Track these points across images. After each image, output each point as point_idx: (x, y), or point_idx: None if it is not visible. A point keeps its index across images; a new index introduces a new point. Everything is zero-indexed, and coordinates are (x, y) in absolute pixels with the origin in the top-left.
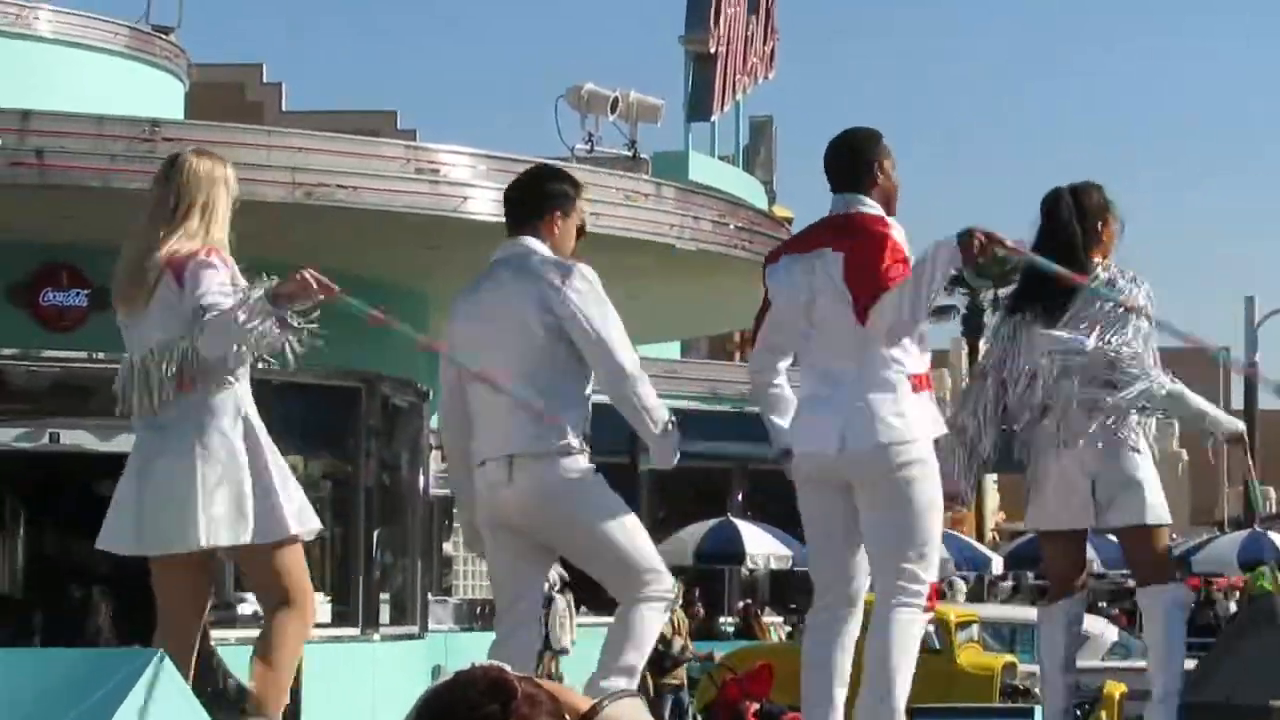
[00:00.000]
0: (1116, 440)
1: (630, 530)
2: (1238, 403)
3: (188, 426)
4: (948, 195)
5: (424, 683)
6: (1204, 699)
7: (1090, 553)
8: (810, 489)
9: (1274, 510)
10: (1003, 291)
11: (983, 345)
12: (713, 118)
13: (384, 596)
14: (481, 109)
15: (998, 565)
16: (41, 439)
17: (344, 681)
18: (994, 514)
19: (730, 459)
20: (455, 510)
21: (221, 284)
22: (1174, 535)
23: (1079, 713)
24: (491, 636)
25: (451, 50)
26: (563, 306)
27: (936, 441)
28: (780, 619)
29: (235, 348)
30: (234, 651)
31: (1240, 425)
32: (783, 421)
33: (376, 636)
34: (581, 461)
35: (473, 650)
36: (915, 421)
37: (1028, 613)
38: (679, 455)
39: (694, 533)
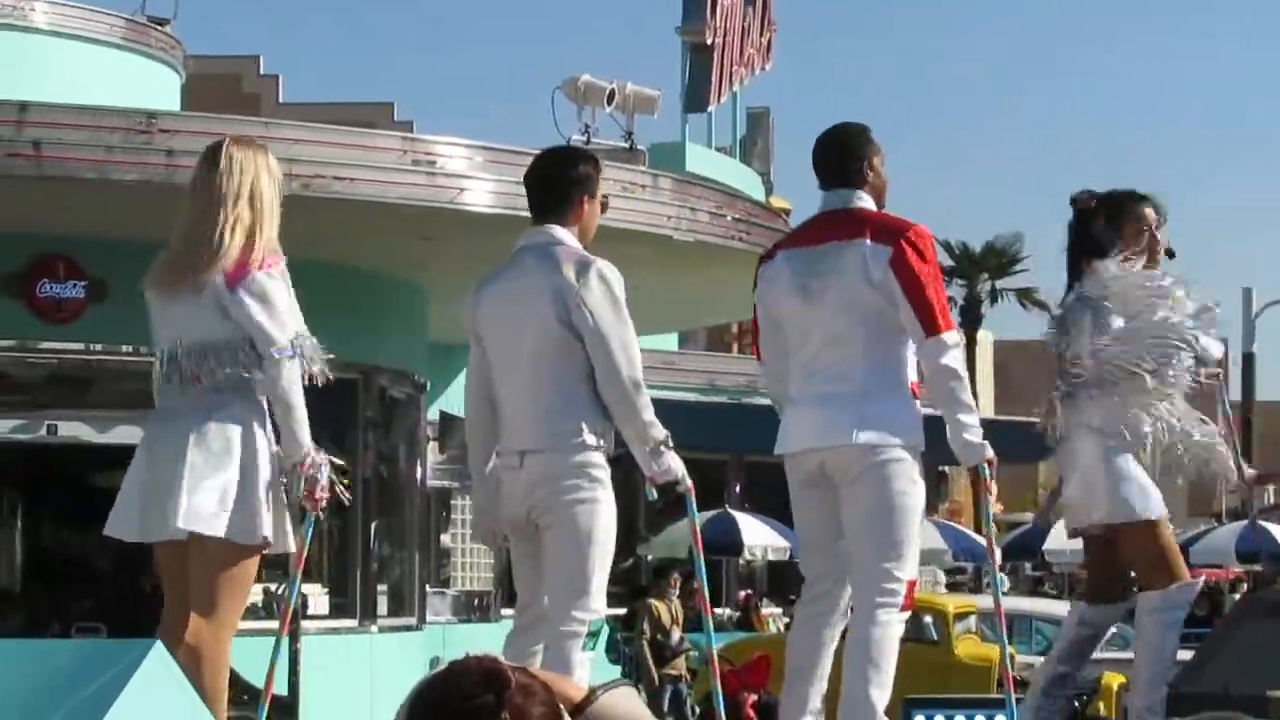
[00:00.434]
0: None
1: (598, 557)
2: (1235, 393)
3: (193, 418)
4: (945, 189)
5: (421, 674)
6: (1200, 689)
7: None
8: (800, 488)
9: (1272, 501)
10: (1000, 283)
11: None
12: (710, 109)
13: (381, 588)
14: (478, 100)
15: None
16: (39, 431)
17: (342, 672)
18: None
19: (727, 450)
20: (471, 496)
21: (292, 308)
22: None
23: (1076, 704)
24: (488, 627)
25: (448, 42)
26: (576, 302)
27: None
28: (779, 610)
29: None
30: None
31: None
32: None
33: (374, 628)
34: (594, 458)
35: (470, 641)
36: (905, 423)
37: (1025, 604)
38: (670, 468)
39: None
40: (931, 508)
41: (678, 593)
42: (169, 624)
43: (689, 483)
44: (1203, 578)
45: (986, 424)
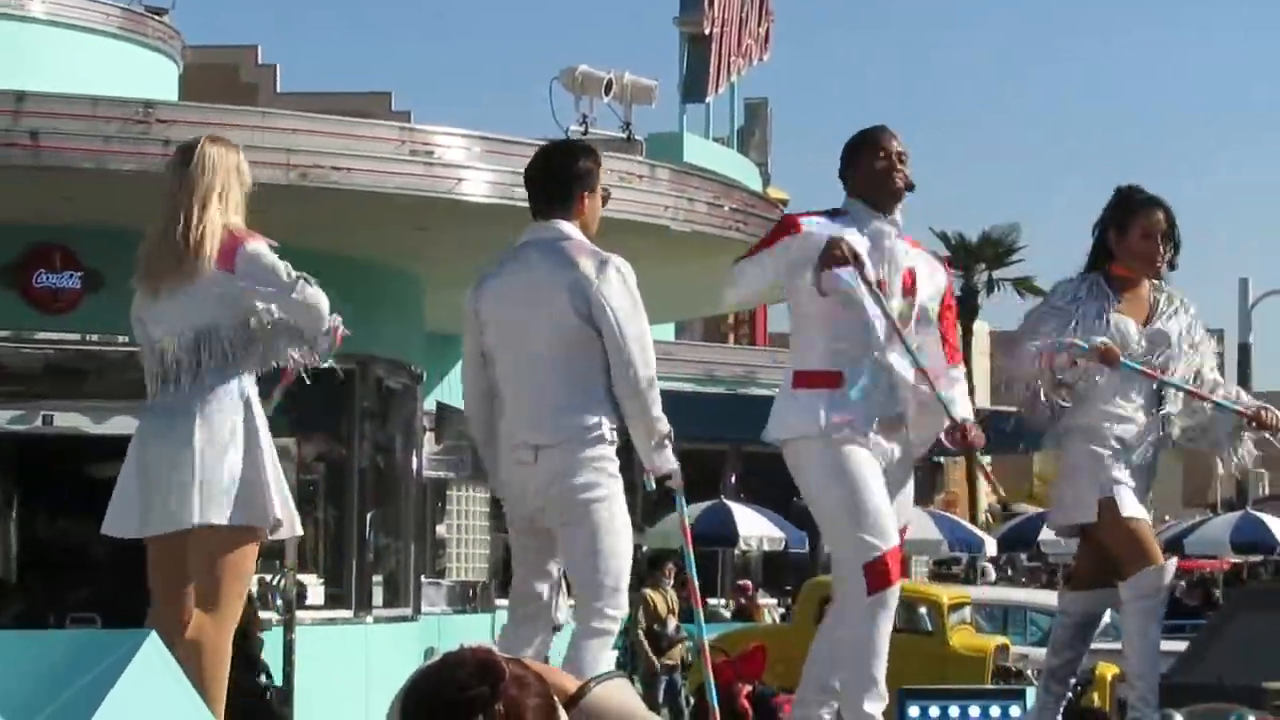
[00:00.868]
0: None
1: (618, 550)
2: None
3: (194, 409)
4: (942, 179)
5: (417, 664)
6: (1195, 680)
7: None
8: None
9: (1266, 492)
10: (997, 273)
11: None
12: (707, 99)
13: (377, 578)
14: (476, 91)
15: (991, 547)
16: (34, 421)
17: (337, 663)
18: (987, 495)
19: (724, 441)
20: (494, 484)
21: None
22: (1166, 517)
23: (1070, 694)
24: (485, 618)
25: (446, 32)
26: (596, 296)
27: None
28: (774, 601)
29: (302, 335)
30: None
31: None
32: None
33: (369, 618)
34: (608, 452)
35: (465, 632)
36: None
37: (1020, 595)
38: (670, 462)
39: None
40: (926, 499)
41: (672, 583)
42: (162, 620)
43: (680, 479)
44: (1174, 561)
45: (983, 414)
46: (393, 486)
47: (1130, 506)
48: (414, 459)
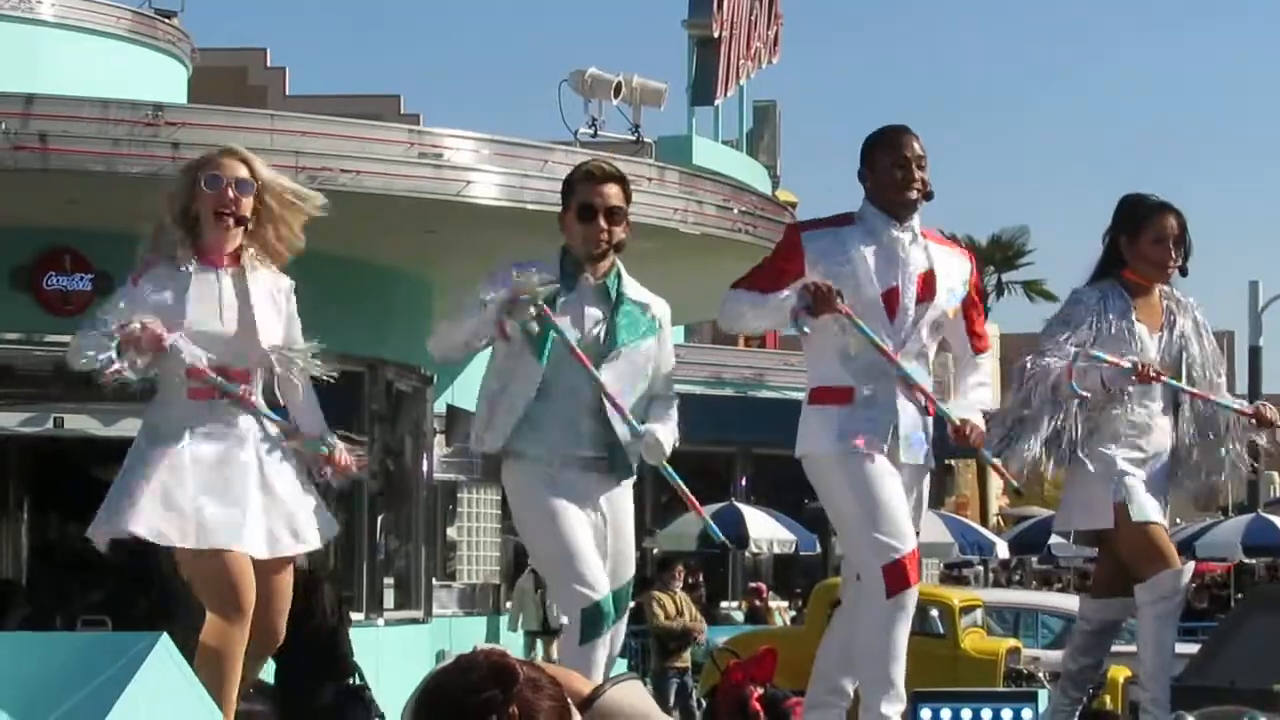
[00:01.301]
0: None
1: (537, 552)
2: (1241, 387)
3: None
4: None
5: (428, 667)
6: (1207, 683)
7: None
8: None
9: (1277, 494)
10: (1006, 276)
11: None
12: (716, 102)
13: (388, 581)
14: (485, 93)
15: (1003, 550)
16: (45, 424)
17: None
18: (997, 498)
19: (733, 443)
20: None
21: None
22: (1178, 520)
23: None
24: (497, 619)
25: (455, 35)
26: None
27: None
28: (785, 603)
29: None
30: None
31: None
32: None
33: (380, 621)
34: (509, 464)
35: (476, 635)
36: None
37: (1032, 597)
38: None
39: (696, 517)
40: (937, 502)
41: (681, 585)
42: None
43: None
44: (1190, 565)
45: (993, 417)
46: (403, 489)
47: (1147, 511)
48: (424, 462)
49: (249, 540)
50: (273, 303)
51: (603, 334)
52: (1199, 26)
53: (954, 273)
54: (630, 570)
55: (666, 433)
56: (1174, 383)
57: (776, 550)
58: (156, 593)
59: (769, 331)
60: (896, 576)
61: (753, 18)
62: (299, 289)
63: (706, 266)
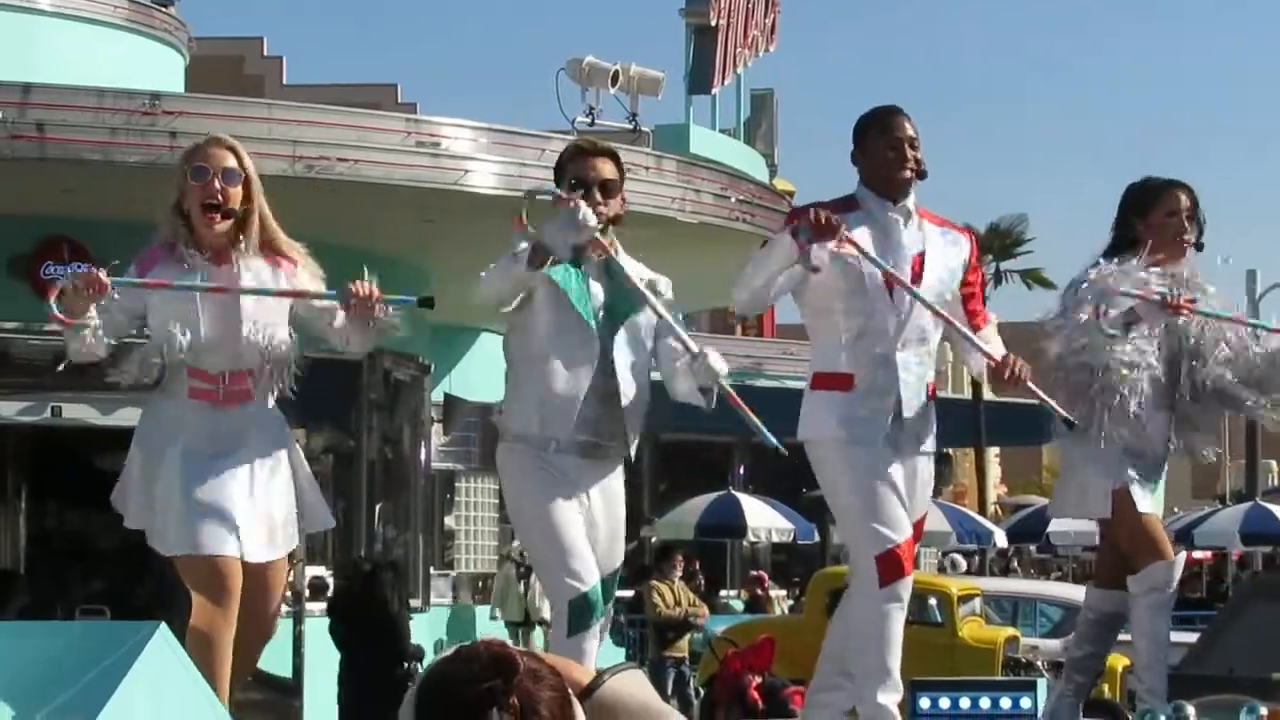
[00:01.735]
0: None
1: (532, 541)
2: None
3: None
4: (950, 170)
5: (426, 656)
6: (1205, 671)
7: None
8: None
9: (1275, 483)
10: (1004, 265)
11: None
12: (714, 91)
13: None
14: (482, 82)
15: (1000, 539)
16: (43, 413)
17: None
18: (995, 487)
19: (732, 432)
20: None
21: None
22: (1175, 508)
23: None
24: (483, 609)
25: (452, 24)
26: None
27: None
28: (783, 592)
29: None
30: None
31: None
32: None
33: None
34: (505, 445)
35: (474, 623)
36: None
37: (1030, 586)
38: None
39: (695, 506)
40: (935, 490)
41: (680, 574)
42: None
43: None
44: (1183, 555)
45: (991, 406)
46: (401, 478)
47: (1143, 501)
48: (422, 450)
49: (238, 545)
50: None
51: (604, 309)
52: (1198, 16)
53: (951, 252)
54: (619, 559)
55: (716, 355)
56: (1205, 310)
57: (775, 539)
58: (156, 582)
59: (774, 288)
60: (890, 566)
61: (750, 6)
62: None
63: (704, 255)
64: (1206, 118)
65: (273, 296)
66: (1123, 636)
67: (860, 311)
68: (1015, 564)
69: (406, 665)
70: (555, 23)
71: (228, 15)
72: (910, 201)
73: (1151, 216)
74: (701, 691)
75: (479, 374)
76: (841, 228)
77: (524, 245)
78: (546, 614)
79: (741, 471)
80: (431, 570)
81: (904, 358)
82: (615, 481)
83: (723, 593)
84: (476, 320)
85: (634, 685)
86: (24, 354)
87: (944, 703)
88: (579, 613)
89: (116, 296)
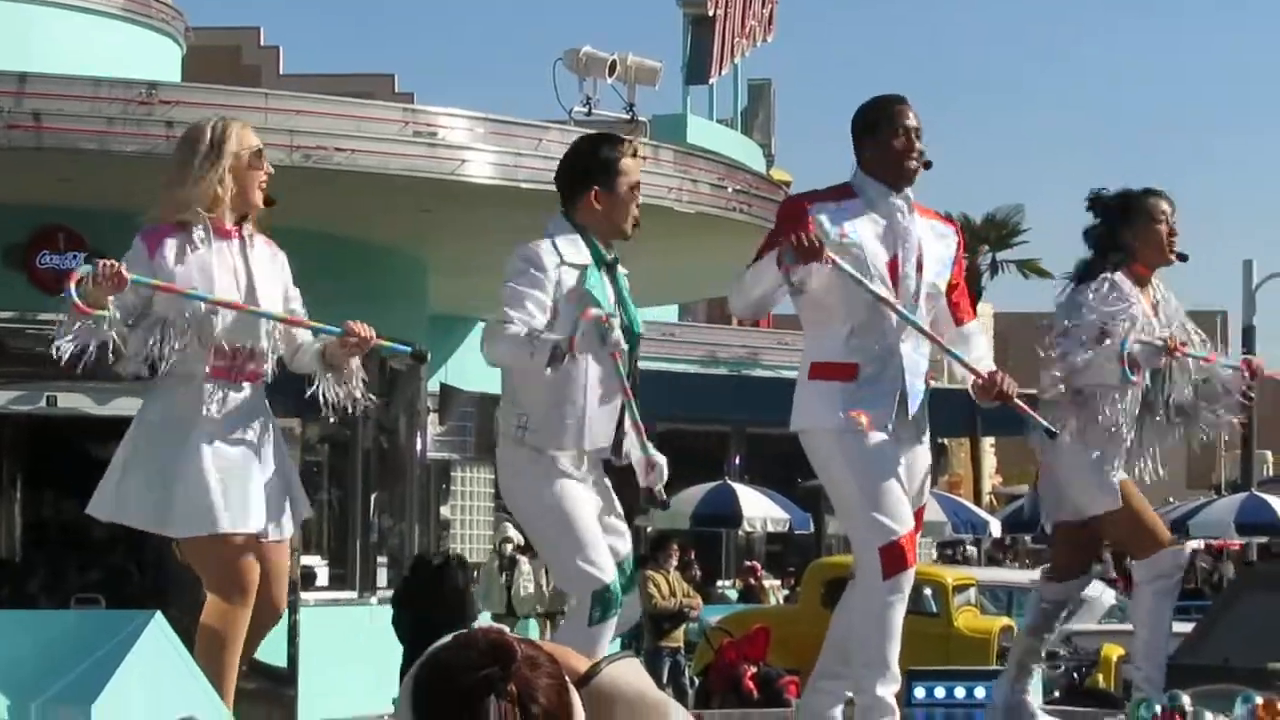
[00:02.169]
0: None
1: (555, 529)
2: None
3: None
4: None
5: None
6: (1201, 661)
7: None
8: None
9: (1270, 473)
10: (1000, 254)
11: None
12: (711, 81)
13: (381, 559)
14: (479, 72)
15: (996, 529)
16: (38, 402)
17: (341, 644)
18: (991, 477)
19: (728, 422)
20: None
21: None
22: (1170, 499)
23: (1075, 675)
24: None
25: (449, 14)
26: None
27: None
28: (778, 582)
29: None
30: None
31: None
32: None
33: (373, 599)
34: (521, 452)
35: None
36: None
37: (1025, 576)
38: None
39: (691, 496)
40: (931, 480)
41: (676, 564)
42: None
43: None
44: (1189, 544)
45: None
46: (396, 468)
47: (1136, 492)
48: (418, 440)
49: (255, 523)
50: (274, 275)
51: (622, 315)
52: (1197, 9)
53: (940, 245)
54: (629, 544)
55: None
56: (1195, 353)
57: (770, 529)
58: (151, 571)
59: (771, 300)
60: (893, 557)
61: None
62: (292, 267)
63: (701, 245)
64: (1203, 110)
65: (280, 322)
66: (1121, 626)
67: (863, 305)
68: (1009, 554)
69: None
70: (552, 12)
71: (224, 5)
72: (909, 192)
73: (1138, 225)
74: (697, 681)
75: (475, 364)
76: (825, 249)
77: (552, 338)
78: (537, 607)
79: (737, 461)
80: None
81: (905, 349)
82: (604, 476)
83: (719, 583)
84: (472, 310)
85: (630, 674)
86: (19, 344)
87: (939, 692)
88: (603, 604)
89: (130, 296)
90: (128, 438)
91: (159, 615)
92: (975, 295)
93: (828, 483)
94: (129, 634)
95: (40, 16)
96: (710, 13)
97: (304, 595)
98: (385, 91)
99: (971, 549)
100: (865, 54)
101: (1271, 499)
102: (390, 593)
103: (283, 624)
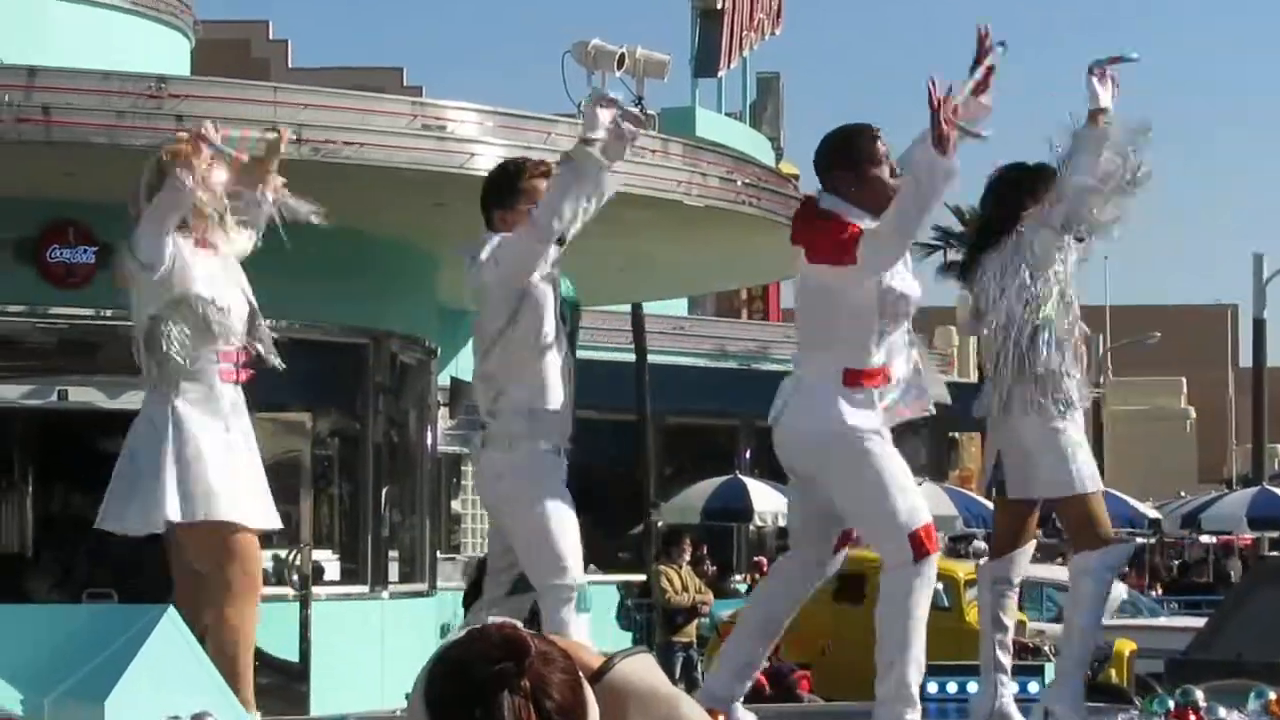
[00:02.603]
0: (1040, 411)
1: (546, 526)
2: (1245, 360)
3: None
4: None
5: (432, 640)
6: (1213, 656)
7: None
8: None
9: None
10: None
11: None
12: (719, 74)
13: (392, 554)
14: (487, 66)
15: None
16: (49, 396)
17: (352, 639)
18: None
19: (737, 416)
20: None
21: None
22: (1181, 493)
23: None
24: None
25: (458, 6)
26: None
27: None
28: None
29: None
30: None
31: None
32: None
33: (385, 594)
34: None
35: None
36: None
37: (1037, 571)
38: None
39: (701, 490)
40: (941, 474)
41: (688, 559)
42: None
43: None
44: (1135, 541)
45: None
46: (407, 462)
47: (1097, 479)
48: (428, 434)
49: (256, 514)
50: (237, 274)
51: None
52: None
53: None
54: None
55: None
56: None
57: (781, 523)
58: (163, 566)
59: (929, 212)
60: (921, 542)
61: None
62: (302, 261)
63: (709, 238)
64: (1213, 98)
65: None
66: (1133, 621)
67: (900, 314)
68: None
69: None
70: (561, 5)
71: None
72: None
73: (1040, 197)
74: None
75: None
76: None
77: (599, 135)
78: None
79: (747, 455)
80: (438, 554)
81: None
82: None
83: (731, 577)
84: None
85: (643, 669)
86: (29, 338)
87: (951, 686)
88: (585, 599)
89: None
90: (135, 446)
91: (171, 609)
92: None
93: (856, 482)
94: (141, 629)
95: (50, 10)
96: (719, 6)
97: (315, 590)
98: (394, 85)
99: (982, 543)
100: (873, 48)
101: None
102: (401, 587)
103: (295, 618)
